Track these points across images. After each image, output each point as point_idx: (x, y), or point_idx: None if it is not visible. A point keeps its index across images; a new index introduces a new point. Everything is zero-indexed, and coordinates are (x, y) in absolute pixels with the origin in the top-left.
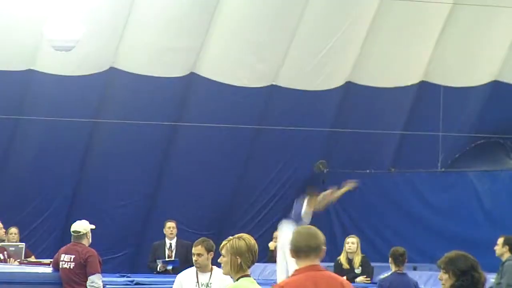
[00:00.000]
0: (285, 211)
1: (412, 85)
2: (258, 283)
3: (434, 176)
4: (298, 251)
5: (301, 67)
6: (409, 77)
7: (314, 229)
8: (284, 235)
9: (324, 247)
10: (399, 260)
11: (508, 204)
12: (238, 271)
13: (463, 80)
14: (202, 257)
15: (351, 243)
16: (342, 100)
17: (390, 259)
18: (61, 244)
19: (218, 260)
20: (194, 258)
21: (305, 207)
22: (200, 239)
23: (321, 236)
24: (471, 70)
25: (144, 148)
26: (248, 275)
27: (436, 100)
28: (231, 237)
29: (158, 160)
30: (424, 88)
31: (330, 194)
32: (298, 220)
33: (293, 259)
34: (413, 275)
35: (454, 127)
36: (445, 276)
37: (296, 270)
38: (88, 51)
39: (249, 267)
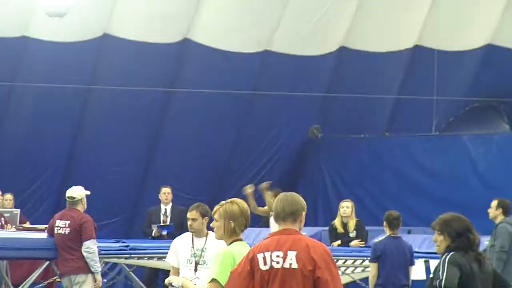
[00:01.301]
0: (280, 177)
1: (406, 50)
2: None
3: (428, 140)
4: (276, 216)
5: (294, 32)
6: (403, 42)
7: (292, 195)
8: None
9: (302, 213)
10: (393, 224)
11: (501, 167)
12: (231, 235)
13: (457, 44)
14: (197, 221)
15: (346, 207)
16: (336, 65)
17: (384, 222)
18: (56, 210)
19: (211, 225)
20: (189, 223)
21: None
22: (195, 204)
23: (298, 202)
24: (465, 34)
25: (138, 114)
26: (241, 239)
27: (430, 64)
28: (223, 202)
29: (153, 126)
30: (418, 52)
31: None
32: None
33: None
34: (408, 238)
35: (448, 91)
36: (440, 237)
37: (269, 234)
38: (81, 17)
39: (242, 231)
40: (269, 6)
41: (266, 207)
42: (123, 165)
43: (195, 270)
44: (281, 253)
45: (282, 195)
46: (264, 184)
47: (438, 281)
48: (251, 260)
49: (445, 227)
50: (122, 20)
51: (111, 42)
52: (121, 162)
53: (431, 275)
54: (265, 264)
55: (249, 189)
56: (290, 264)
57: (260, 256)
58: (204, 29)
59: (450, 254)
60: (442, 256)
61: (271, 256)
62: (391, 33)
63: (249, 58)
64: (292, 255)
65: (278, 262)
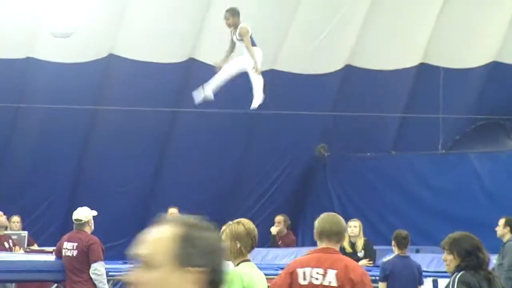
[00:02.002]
0: (287, 195)
1: (411, 67)
2: (260, 268)
3: (435, 158)
4: (321, 234)
5: (300, 51)
6: (409, 59)
7: (337, 216)
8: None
9: (344, 234)
10: (402, 243)
11: (509, 184)
12: (238, 256)
13: (463, 61)
14: None
15: (353, 226)
16: (342, 83)
17: (393, 242)
18: (64, 231)
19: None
20: None
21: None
22: None
23: (343, 223)
24: (470, 51)
25: (144, 135)
26: (248, 260)
27: (435, 81)
28: (230, 222)
29: (159, 146)
30: (424, 70)
31: None
32: None
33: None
34: (416, 257)
35: (454, 109)
36: (450, 257)
37: (309, 251)
38: (87, 37)
39: (249, 252)
40: (275, 25)
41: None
42: (129, 186)
43: None
44: (321, 270)
45: (327, 214)
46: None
47: None
48: (291, 274)
49: (454, 247)
50: (127, 41)
51: (116, 62)
52: (128, 182)
53: None
54: (304, 279)
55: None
56: (330, 282)
57: (300, 271)
58: (209, 48)
59: (460, 274)
60: (452, 275)
61: (311, 272)
62: (396, 51)
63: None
64: (331, 273)
65: (317, 279)
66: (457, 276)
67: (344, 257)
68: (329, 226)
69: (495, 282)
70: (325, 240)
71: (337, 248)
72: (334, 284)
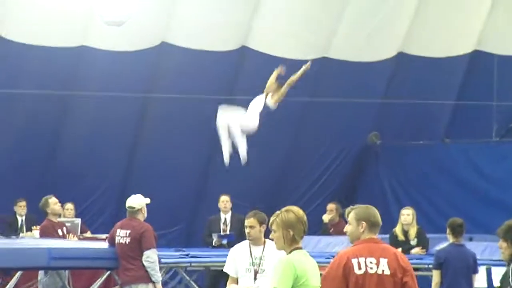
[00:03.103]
0: (339, 184)
1: (464, 55)
2: (312, 256)
3: (488, 146)
4: (373, 225)
5: (352, 38)
6: (462, 47)
7: (374, 209)
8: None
9: (380, 226)
10: (457, 231)
11: None
12: (291, 243)
13: None
14: (255, 229)
15: (407, 214)
16: (394, 71)
17: (448, 230)
18: (117, 219)
19: (270, 236)
20: (246, 231)
21: (269, 101)
22: (251, 211)
23: (379, 216)
24: None
25: (197, 123)
26: (300, 248)
27: (489, 69)
28: (278, 212)
29: (212, 134)
30: (477, 57)
31: (290, 81)
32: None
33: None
34: (469, 246)
35: (509, 96)
36: (505, 244)
37: (356, 241)
38: (139, 26)
39: (301, 238)
40: (327, 13)
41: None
42: (182, 173)
43: (255, 278)
44: (374, 260)
45: (370, 207)
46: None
47: None
48: (345, 265)
49: (509, 234)
50: (179, 29)
51: (169, 51)
52: (180, 170)
53: (497, 284)
54: (359, 268)
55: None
56: (383, 271)
57: (354, 261)
58: (262, 36)
59: None
60: (508, 264)
61: (365, 261)
62: (449, 38)
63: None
64: (384, 262)
65: (372, 268)
66: None
67: (390, 246)
68: (378, 219)
69: None
70: (371, 232)
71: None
72: (387, 272)
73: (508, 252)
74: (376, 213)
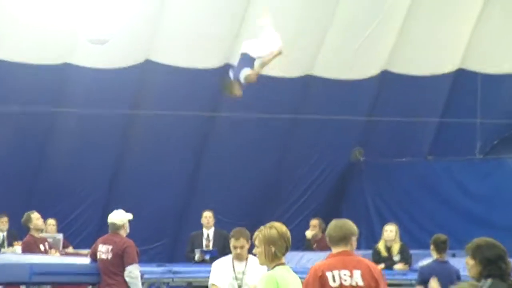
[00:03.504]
0: (323, 200)
1: (449, 73)
2: (295, 272)
3: (472, 164)
4: (331, 239)
5: (337, 56)
6: (446, 65)
7: (344, 221)
8: None
9: (354, 237)
10: (441, 247)
11: None
12: (273, 259)
13: (500, 67)
14: (244, 248)
15: (390, 230)
16: (379, 89)
17: (431, 246)
18: (100, 234)
19: (253, 251)
20: (237, 251)
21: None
22: (237, 230)
23: (350, 227)
24: (508, 57)
25: (180, 139)
26: (283, 263)
27: (473, 87)
28: (262, 227)
29: (195, 151)
30: (461, 75)
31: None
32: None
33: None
34: (452, 262)
35: (492, 114)
36: (471, 262)
37: (329, 254)
38: (123, 44)
39: (283, 255)
40: (311, 31)
41: None
42: (165, 190)
43: None
44: (348, 272)
45: (335, 221)
46: None
47: None
48: (320, 278)
49: (477, 253)
50: (163, 46)
51: (153, 68)
52: (164, 186)
53: None
54: (334, 281)
55: None
56: (357, 282)
57: (329, 274)
58: None
59: (489, 282)
60: (478, 282)
61: (339, 274)
62: (433, 56)
63: (291, 83)
64: (357, 274)
65: (346, 280)
66: (488, 283)
67: (362, 258)
68: (336, 231)
69: None
70: (341, 245)
71: (350, 250)
72: (361, 283)
73: (474, 270)
74: (345, 226)
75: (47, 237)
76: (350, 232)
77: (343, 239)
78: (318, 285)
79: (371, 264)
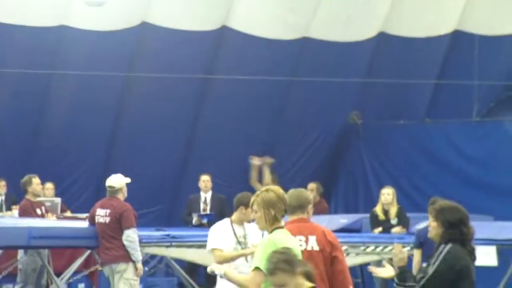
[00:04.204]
0: (320, 163)
1: (445, 34)
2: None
3: (469, 126)
4: (288, 208)
5: (333, 18)
6: (443, 27)
7: (300, 191)
8: None
9: (310, 205)
10: None
11: None
12: (273, 222)
13: (498, 28)
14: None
15: (387, 194)
16: (375, 51)
17: (428, 209)
18: (98, 198)
19: (252, 216)
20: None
21: None
22: (244, 195)
23: (306, 196)
24: (505, 18)
25: (177, 102)
26: (282, 227)
27: (470, 49)
28: (258, 192)
29: (192, 114)
30: (458, 37)
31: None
32: None
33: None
34: None
35: (489, 76)
36: (434, 223)
37: (286, 222)
38: (120, 6)
39: (283, 217)
40: None
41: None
42: (162, 153)
43: (246, 259)
44: (303, 237)
45: (292, 191)
46: (268, 160)
47: (432, 268)
48: None
49: (439, 215)
50: (160, 8)
51: (149, 31)
52: (161, 150)
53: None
54: None
55: (256, 161)
56: (312, 247)
57: None
58: (242, 16)
59: (450, 245)
60: (438, 245)
61: (295, 240)
62: (430, 18)
63: (287, 45)
64: (312, 239)
65: (301, 245)
66: (447, 248)
67: (318, 224)
68: (294, 200)
69: (475, 257)
70: (298, 212)
71: (306, 217)
72: (316, 248)
73: (436, 231)
74: (301, 195)
75: (45, 201)
76: (306, 200)
77: (299, 207)
78: None
79: (326, 230)
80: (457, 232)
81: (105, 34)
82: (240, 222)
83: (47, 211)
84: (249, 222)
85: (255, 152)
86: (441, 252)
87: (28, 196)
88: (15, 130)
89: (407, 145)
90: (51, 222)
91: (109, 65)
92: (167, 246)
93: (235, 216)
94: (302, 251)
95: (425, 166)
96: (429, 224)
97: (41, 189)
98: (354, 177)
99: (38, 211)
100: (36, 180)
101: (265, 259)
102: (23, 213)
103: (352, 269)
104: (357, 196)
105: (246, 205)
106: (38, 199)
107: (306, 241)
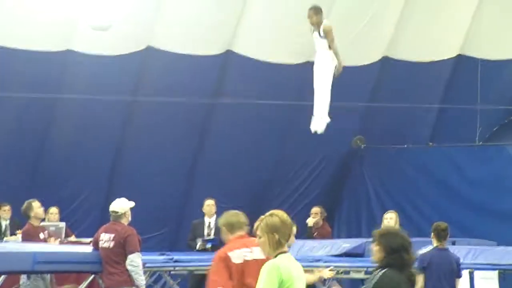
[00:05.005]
0: (324, 188)
1: (449, 59)
2: (296, 259)
3: (472, 150)
4: (232, 226)
5: (337, 43)
6: (446, 51)
7: (237, 212)
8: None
9: (245, 225)
10: (441, 235)
11: None
12: (277, 247)
13: (500, 52)
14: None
15: (390, 218)
16: (379, 75)
17: (432, 234)
18: (102, 222)
19: (256, 241)
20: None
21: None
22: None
23: (243, 216)
24: (508, 42)
25: (182, 126)
26: (286, 252)
27: (473, 73)
28: (262, 216)
29: (197, 138)
30: (461, 62)
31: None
32: None
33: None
34: (452, 249)
35: (492, 100)
36: (376, 248)
37: (229, 240)
38: (125, 30)
39: (286, 241)
40: None
41: None
42: (167, 177)
43: None
44: (248, 249)
45: (230, 211)
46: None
47: None
48: (225, 259)
49: (381, 240)
50: (165, 33)
51: (154, 55)
52: (165, 174)
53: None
54: (238, 259)
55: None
56: (258, 256)
57: (232, 254)
58: (247, 40)
59: (385, 270)
60: (376, 269)
61: (241, 252)
62: (434, 42)
63: (291, 69)
64: (257, 250)
65: (247, 256)
66: (382, 272)
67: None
68: (237, 219)
69: (414, 285)
70: (238, 230)
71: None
72: (262, 257)
73: (377, 255)
74: (238, 215)
75: (50, 226)
76: (244, 220)
77: (240, 225)
78: (222, 265)
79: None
80: (398, 257)
81: (110, 59)
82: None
83: (49, 236)
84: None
85: (259, 178)
86: (375, 276)
87: (31, 221)
88: (19, 155)
89: (410, 170)
90: (55, 246)
91: (113, 90)
92: (171, 271)
93: None
94: (250, 261)
95: (429, 190)
96: (372, 248)
97: (43, 212)
98: (357, 201)
99: (41, 236)
100: (36, 204)
101: (268, 285)
102: (26, 238)
103: None
104: (360, 220)
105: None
106: (42, 223)
107: (251, 252)
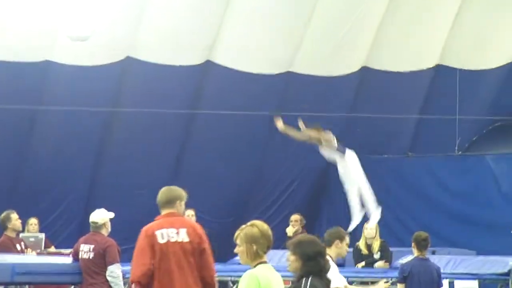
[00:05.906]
0: (303, 198)
1: (428, 69)
2: (276, 270)
3: (451, 160)
4: (160, 203)
5: (317, 53)
6: (425, 61)
7: (170, 187)
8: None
9: (179, 201)
10: (421, 245)
11: None
12: (255, 258)
13: (479, 63)
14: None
15: (370, 228)
16: (359, 85)
17: (413, 243)
18: (82, 233)
19: (235, 251)
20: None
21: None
22: (338, 229)
23: (177, 192)
24: (487, 53)
25: (161, 137)
26: (265, 262)
27: (452, 83)
28: (243, 226)
29: (176, 148)
30: (440, 72)
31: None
32: None
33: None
34: (432, 259)
35: (471, 110)
36: (292, 257)
37: (157, 216)
38: (104, 40)
39: (265, 253)
40: (291, 28)
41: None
42: (147, 188)
43: None
44: (174, 230)
45: (164, 188)
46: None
47: None
48: (151, 237)
49: (297, 249)
50: (144, 43)
51: (134, 65)
52: (145, 184)
53: None
54: (162, 238)
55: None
56: (183, 239)
57: (158, 233)
58: (226, 50)
59: (311, 278)
60: (297, 277)
61: (167, 232)
62: (412, 52)
63: (271, 80)
64: (183, 231)
65: (173, 237)
66: (308, 281)
67: (186, 218)
68: (166, 195)
69: None
70: (167, 207)
71: (176, 211)
72: (187, 239)
73: (294, 265)
74: (169, 191)
75: (29, 237)
76: (175, 196)
77: (169, 202)
78: (148, 242)
79: (195, 224)
80: (316, 264)
81: (89, 69)
82: (336, 257)
83: (26, 247)
84: (343, 257)
85: (239, 189)
86: (301, 286)
87: (7, 232)
88: None
89: (389, 179)
90: (34, 258)
91: (93, 100)
92: None
93: (330, 251)
94: (174, 243)
95: (408, 200)
96: (287, 258)
97: (20, 225)
98: (336, 211)
99: (18, 247)
100: (14, 216)
101: None
102: (3, 249)
103: None
104: None
105: (341, 238)
106: (22, 234)
107: (177, 233)
